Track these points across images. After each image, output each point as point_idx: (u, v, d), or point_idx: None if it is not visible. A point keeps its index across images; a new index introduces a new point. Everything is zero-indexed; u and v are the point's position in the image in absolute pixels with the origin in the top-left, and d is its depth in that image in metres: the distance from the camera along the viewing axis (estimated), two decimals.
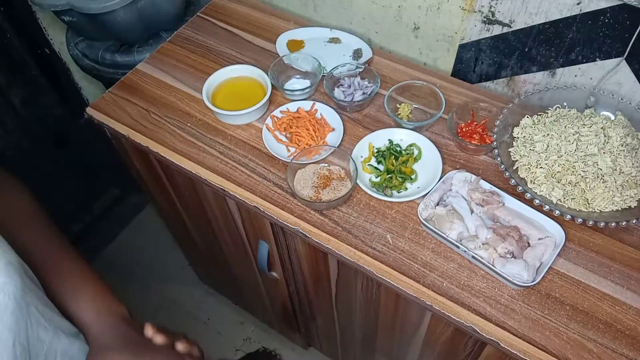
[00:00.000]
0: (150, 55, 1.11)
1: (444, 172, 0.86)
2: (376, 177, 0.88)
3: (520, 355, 0.69)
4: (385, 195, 0.85)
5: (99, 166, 1.74)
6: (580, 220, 0.75)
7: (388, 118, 0.96)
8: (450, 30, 1.01)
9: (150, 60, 1.10)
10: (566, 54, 0.91)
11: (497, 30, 0.95)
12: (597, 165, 0.77)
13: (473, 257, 0.75)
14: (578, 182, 0.77)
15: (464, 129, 0.91)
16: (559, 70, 0.94)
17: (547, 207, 0.76)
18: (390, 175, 0.87)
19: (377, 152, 0.91)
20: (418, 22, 1.04)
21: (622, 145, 0.78)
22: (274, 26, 1.14)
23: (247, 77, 1.02)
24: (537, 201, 0.76)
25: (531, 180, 0.80)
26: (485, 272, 0.76)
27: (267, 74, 0.99)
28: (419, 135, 0.91)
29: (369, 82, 0.99)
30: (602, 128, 0.80)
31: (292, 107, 0.98)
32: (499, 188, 0.82)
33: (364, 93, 0.97)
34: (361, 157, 0.90)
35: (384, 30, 1.11)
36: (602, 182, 0.76)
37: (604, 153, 0.77)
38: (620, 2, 0.79)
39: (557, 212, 0.75)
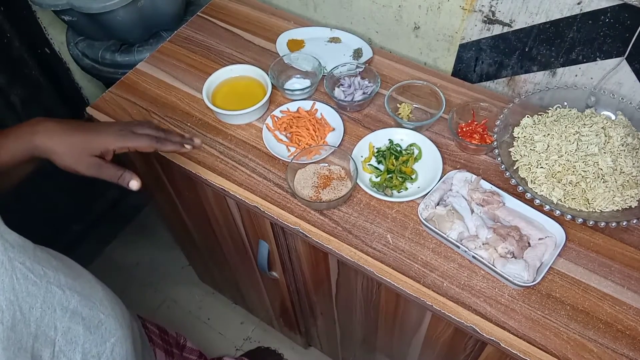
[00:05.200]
0: (150, 55, 1.11)
1: (444, 172, 0.86)
2: (376, 177, 0.88)
3: (521, 355, 0.69)
4: (386, 195, 0.85)
5: None
6: (580, 220, 0.74)
7: (388, 118, 0.96)
8: (450, 29, 1.01)
9: (150, 60, 1.10)
10: (567, 54, 0.91)
11: (497, 29, 0.95)
12: (598, 165, 0.77)
13: (473, 257, 0.75)
14: (578, 182, 0.77)
15: (464, 129, 0.91)
16: (560, 70, 0.94)
17: (547, 207, 0.76)
18: (390, 175, 0.87)
19: (377, 151, 0.91)
20: (418, 22, 1.04)
21: (622, 145, 0.78)
22: (274, 26, 1.14)
23: (247, 76, 1.02)
24: (537, 201, 0.76)
25: (531, 180, 0.80)
26: (486, 272, 0.76)
27: (267, 74, 0.99)
28: (419, 135, 0.91)
29: (369, 82, 0.99)
30: (602, 128, 0.80)
31: (292, 106, 0.98)
32: (499, 188, 0.82)
33: (364, 93, 0.97)
34: (361, 156, 0.90)
35: (384, 30, 1.10)
36: (603, 182, 0.76)
37: (605, 153, 0.77)
38: (621, 2, 0.79)
39: (558, 212, 0.75)
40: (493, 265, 0.73)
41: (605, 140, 0.78)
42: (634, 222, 0.73)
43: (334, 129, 0.94)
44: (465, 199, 0.81)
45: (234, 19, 1.17)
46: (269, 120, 0.96)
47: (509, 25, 0.93)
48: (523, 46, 0.95)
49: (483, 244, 0.76)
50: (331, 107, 0.97)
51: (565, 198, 0.77)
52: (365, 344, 1.15)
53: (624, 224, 0.73)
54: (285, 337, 1.57)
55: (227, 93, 1.00)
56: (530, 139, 0.83)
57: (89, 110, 1.01)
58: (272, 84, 0.98)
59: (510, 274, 0.72)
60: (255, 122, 0.97)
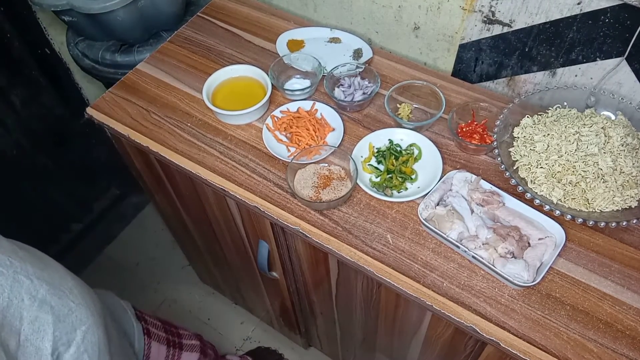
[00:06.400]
0: (150, 55, 1.11)
1: (444, 172, 0.86)
2: (376, 177, 0.88)
3: (521, 355, 0.69)
4: (386, 195, 0.85)
5: (99, 166, 1.74)
6: (580, 220, 0.75)
7: (388, 118, 0.96)
8: (450, 30, 1.01)
9: (151, 60, 1.10)
10: (566, 54, 0.91)
11: (497, 30, 0.95)
12: (598, 165, 0.77)
13: (473, 257, 0.75)
14: (578, 182, 0.77)
15: (464, 129, 0.91)
16: (560, 70, 0.94)
17: (547, 207, 0.76)
18: (390, 175, 0.87)
19: (377, 152, 0.91)
20: (418, 22, 1.04)
21: (622, 145, 0.78)
22: (274, 26, 1.14)
23: (247, 77, 1.02)
24: (537, 201, 0.76)
25: (531, 180, 0.80)
26: (486, 272, 0.76)
27: (267, 74, 0.99)
28: (419, 135, 0.91)
29: (369, 82, 0.99)
30: (602, 128, 0.80)
31: (292, 107, 0.98)
32: (499, 188, 0.82)
33: (364, 93, 0.97)
34: (361, 157, 0.90)
35: (384, 30, 1.11)
36: (603, 182, 0.76)
37: (605, 153, 0.77)
38: (621, 2, 0.79)
39: (558, 212, 0.75)
40: (493, 265, 0.73)
41: (605, 140, 0.79)
42: (634, 222, 0.73)
43: (334, 129, 0.94)
44: (465, 199, 0.81)
45: (234, 19, 1.17)
46: (269, 121, 0.96)
47: (509, 26, 0.93)
48: (523, 46, 0.95)
49: (483, 244, 0.76)
50: (331, 107, 0.97)
51: (565, 198, 0.78)
52: (365, 344, 1.16)
53: (624, 224, 0.73)
54: (285, 337, 1.57)
55: (227, 93, 1.00)
56: (530, 139, 0.83)
57: (89, 110, 1.01)
58: (272, 84, 0.98)
59: (510, 274, 0.72)
60: (255, 122, 0.97)
